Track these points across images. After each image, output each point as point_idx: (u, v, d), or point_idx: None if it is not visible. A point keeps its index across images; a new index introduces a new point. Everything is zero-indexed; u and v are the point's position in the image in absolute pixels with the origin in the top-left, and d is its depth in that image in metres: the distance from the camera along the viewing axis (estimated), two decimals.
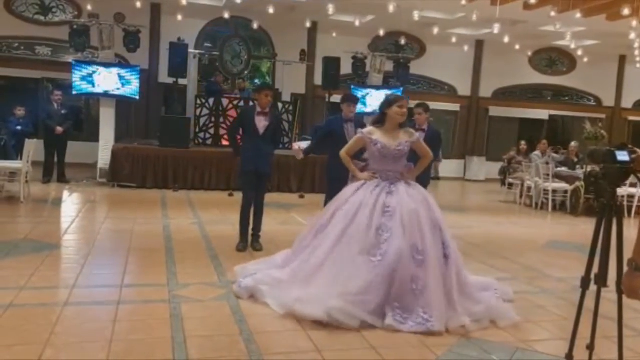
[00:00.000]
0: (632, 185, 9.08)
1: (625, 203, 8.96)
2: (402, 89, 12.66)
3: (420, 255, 3.73)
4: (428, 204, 4.01)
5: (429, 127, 5.98)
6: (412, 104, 6.60)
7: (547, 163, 10.28)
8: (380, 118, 4.23)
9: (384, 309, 3.69)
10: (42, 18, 13.05)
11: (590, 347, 2.55)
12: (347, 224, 3.94)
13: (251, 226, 5.66)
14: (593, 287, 2.50)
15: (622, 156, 2.34)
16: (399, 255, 3.71)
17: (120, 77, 10.51)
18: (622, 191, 8.75)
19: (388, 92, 12.45)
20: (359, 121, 6.09)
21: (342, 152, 4.38)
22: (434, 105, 15.56)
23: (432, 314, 3.61)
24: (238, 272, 4.49)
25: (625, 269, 2.02)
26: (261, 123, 5.48)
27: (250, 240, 5.66)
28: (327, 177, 5.83)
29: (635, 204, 9.49)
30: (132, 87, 10.62)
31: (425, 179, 5.34)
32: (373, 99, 12.34)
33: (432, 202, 4.06)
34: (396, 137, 4.13)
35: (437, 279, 3.73)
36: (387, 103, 4.17)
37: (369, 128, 4.30)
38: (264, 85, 6.19)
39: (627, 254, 2.04)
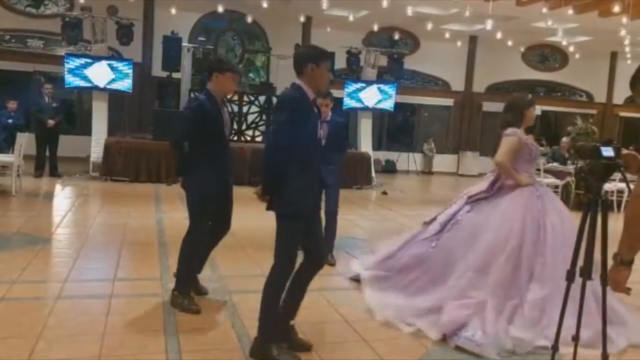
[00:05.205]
0: (622, 180, 9.15)
1: (615, 198, 9.06)
2: (396, 83, 12.69)
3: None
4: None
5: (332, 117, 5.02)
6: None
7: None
8: (518, 118, 3.96)
9: None
10: (34, 10, 12.97)
11: (576, 338, 2.60)
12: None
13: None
14: (578, 280, 2.54)
15: (608, 152, 2.37)
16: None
17: (113, 71, 10.49)
18: (611, 186, 8.83)
19: (382, 86, 12.51)
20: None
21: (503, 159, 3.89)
22: (428, 100, 15.83)
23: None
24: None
25: (610, 262, 2.06)
26: (226, 117, 3.95)
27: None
28: None
29: (625, 198, 9.57)
30: (125, 81, 10.60)
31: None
32: (367, 94, 12.37)
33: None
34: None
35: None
36: (528, 103, 4.02)
37: (515, 129, 3.93)
38: (223, 62, 3.96)
39: (613, 247, 2.08)
